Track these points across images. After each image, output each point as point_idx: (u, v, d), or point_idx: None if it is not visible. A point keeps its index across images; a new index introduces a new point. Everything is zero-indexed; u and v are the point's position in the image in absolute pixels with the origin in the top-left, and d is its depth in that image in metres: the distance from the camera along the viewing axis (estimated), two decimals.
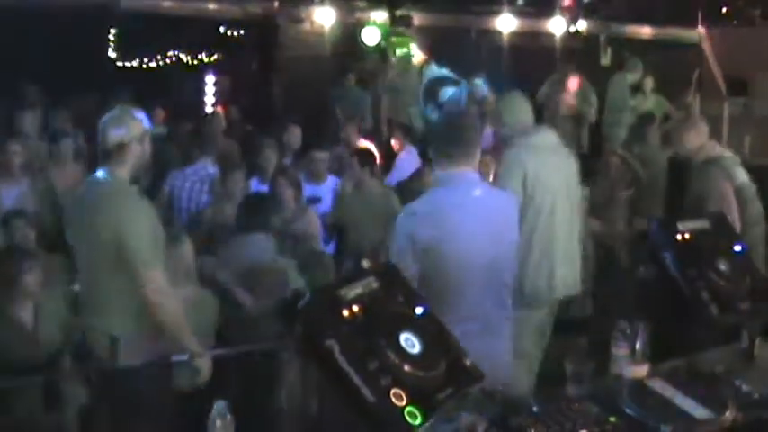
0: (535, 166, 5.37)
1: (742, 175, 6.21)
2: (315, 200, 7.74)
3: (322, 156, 8.19)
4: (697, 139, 6.32)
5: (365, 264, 3.23)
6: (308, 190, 7.71)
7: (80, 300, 4.81)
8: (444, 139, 4.33)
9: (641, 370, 3.68)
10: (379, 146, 9.95)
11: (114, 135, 4.52)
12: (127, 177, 4.60)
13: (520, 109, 5.69)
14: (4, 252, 6.01)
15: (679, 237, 4.06)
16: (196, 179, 7.77)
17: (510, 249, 4.39)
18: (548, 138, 5.65)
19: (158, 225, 4.67)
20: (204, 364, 4.71)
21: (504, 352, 4.29)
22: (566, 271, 5.48)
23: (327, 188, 8.06)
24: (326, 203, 7.90)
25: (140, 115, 4.77)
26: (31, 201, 7.75)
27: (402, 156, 9.81)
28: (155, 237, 4.56)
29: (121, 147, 4.52)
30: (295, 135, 9.14)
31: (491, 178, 5.69)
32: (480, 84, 11.45)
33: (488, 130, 6.03)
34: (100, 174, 4.59)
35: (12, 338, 5.55)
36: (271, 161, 8.12)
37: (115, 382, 4.53)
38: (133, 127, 4.59)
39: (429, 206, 4.27)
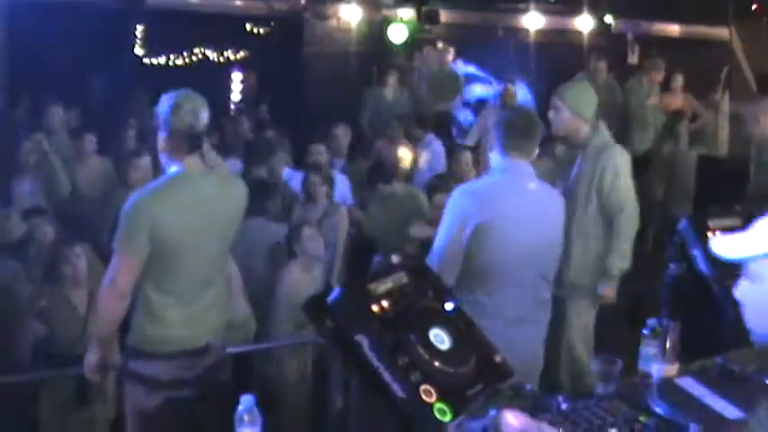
0: None
1: None
2: None
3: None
4: None
5: (395, 259, 3.20)
6: None
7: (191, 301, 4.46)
8: (516, 130, 4.48)
9: (671, 368, 3.65)
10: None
11: None
12: None
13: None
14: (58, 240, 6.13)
15: (709, 234, 4.03)
16: None
17: (554, 246, 4.63)
18: None
19: None
20: None
21: (539, 340, 4.57)
22: None
23: None
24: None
25: None
26: (41, 196, 7.85)
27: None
28: None
29: None
30: (340, 136, 9.18)
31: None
32: (524, 87, 11.52)
33: None
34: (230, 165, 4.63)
35: (65, 321, 5.62)
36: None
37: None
38: None
39: (486, 188, 4.49)
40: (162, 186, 4.40)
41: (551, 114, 5.68)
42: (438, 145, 9.60)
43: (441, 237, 4.40)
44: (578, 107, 5.58)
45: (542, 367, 4.63)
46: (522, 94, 11.46)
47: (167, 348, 4.35)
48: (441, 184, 7.18)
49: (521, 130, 4.50)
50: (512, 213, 4.34)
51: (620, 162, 5.58)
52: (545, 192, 4.66)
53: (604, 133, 5.70)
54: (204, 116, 4.39)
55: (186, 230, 4.28)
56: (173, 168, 4.40)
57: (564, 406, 3.21)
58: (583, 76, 12.03)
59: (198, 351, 4.39)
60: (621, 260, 5.57)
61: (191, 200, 4.33)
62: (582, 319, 5.66)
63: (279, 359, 6.19)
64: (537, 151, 4.60)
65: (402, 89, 12.05)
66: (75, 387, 5.51)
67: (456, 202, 4.41)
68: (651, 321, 3.71)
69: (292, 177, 7.97)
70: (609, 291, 5.62)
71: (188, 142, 4.33)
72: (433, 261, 4.27)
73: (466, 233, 4.27)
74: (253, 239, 6.31)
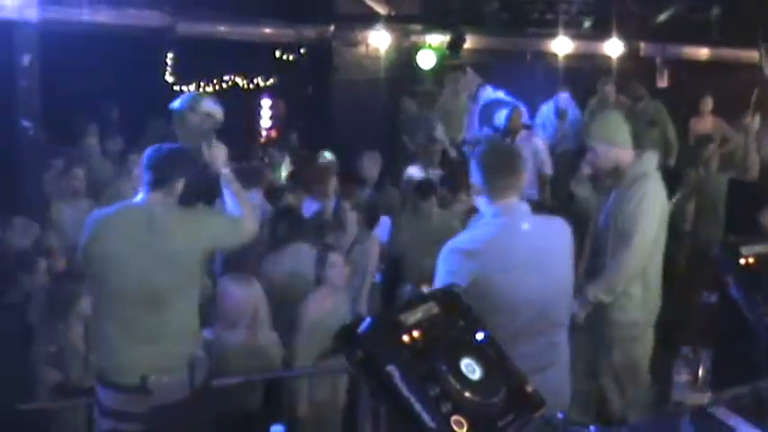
0: None
1: None
2: None
3: None
4: None
5: (425, 289, 3.20)
6: None
7: (146, 329, 4.54)
8: (494, 170, 4.10)
9: (703, 397, 3.62)
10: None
11: None
12: None
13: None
14: (63, 275, 6.13)
15: (743, 261, 3.96)
16: None
17: (562, 285, 4.20)
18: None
19: None
20: None
21: (562, 380, 4.20)
22: None
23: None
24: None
25: None
26: None
27: None
28: None
29: None
30: (370, 165, 9.24)
31: None
32: (565, 97, 11.56)
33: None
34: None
35: (65, 360, 5.61)
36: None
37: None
38: None
39: (473, 242, 4.07)
40: (111, 211, 4.68)
41: (589, 156, 5.55)
42: None
43: None
44: (608, 136, 5.47)
45: (569, 401, 4.35)
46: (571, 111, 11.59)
47: (105, 377, 4.52)
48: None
49: (504, 167, 4.11)
50: (504, 265, 3.94)
51: (649, 193, 5.34)
52: (544, 227, 4.22)
53: (646, 163, 5.48)
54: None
55: (123, 256, 4.46)
56: (138, 198, 4.67)
57: None
58: (595, 101, 12.06)
59: (133, 387, 4.43)
60: (605, 293, 5.28)
61: (133, 228, 4.52)
62: (630, 352, 5.39)
63: (302, 387, 6.11)
64: (525, 183, 4.21)
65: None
66: (84, 416, 5.54)
67: (446, 261, 4.00)
68: (684, 349, 3.68)
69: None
70: (579, 310, 5.20)
71: (153, 179, 4.62)
72: None
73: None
74: None
